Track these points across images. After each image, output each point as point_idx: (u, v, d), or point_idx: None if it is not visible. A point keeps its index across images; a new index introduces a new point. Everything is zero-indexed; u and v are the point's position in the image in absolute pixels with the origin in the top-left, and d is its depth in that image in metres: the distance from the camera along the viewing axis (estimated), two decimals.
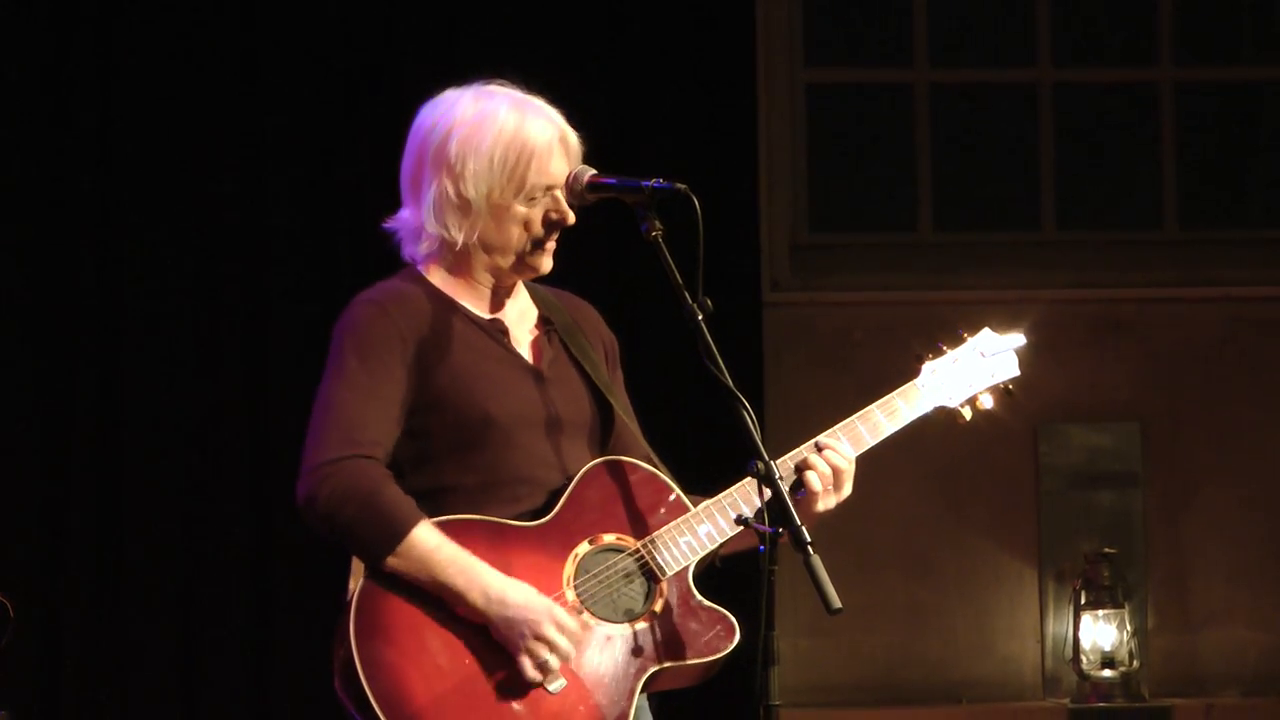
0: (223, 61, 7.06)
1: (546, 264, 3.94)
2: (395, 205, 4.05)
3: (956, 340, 4.17)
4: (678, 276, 3.76)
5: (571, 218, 3.93)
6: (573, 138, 3.93)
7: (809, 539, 3.64)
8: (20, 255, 6.95)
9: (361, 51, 7.09)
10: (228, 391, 7.01)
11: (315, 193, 7.08)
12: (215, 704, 6.95)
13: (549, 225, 3.91)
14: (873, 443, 4.01)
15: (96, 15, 6.98)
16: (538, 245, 3.91)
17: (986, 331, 4.19)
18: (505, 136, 3.87)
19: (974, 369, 4.15)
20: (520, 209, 3.89)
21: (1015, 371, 4.19)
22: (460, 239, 3.89)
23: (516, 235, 3.90)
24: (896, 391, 4.08)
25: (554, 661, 3.74)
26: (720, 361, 3.72)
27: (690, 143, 7.19)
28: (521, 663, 3.74)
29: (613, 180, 3.88)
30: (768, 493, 3.70)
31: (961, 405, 4.14)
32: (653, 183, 3.80)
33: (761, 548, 3.66)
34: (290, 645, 6.91)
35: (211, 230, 7.03)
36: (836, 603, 3.62)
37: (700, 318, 3.74)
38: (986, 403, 4.16)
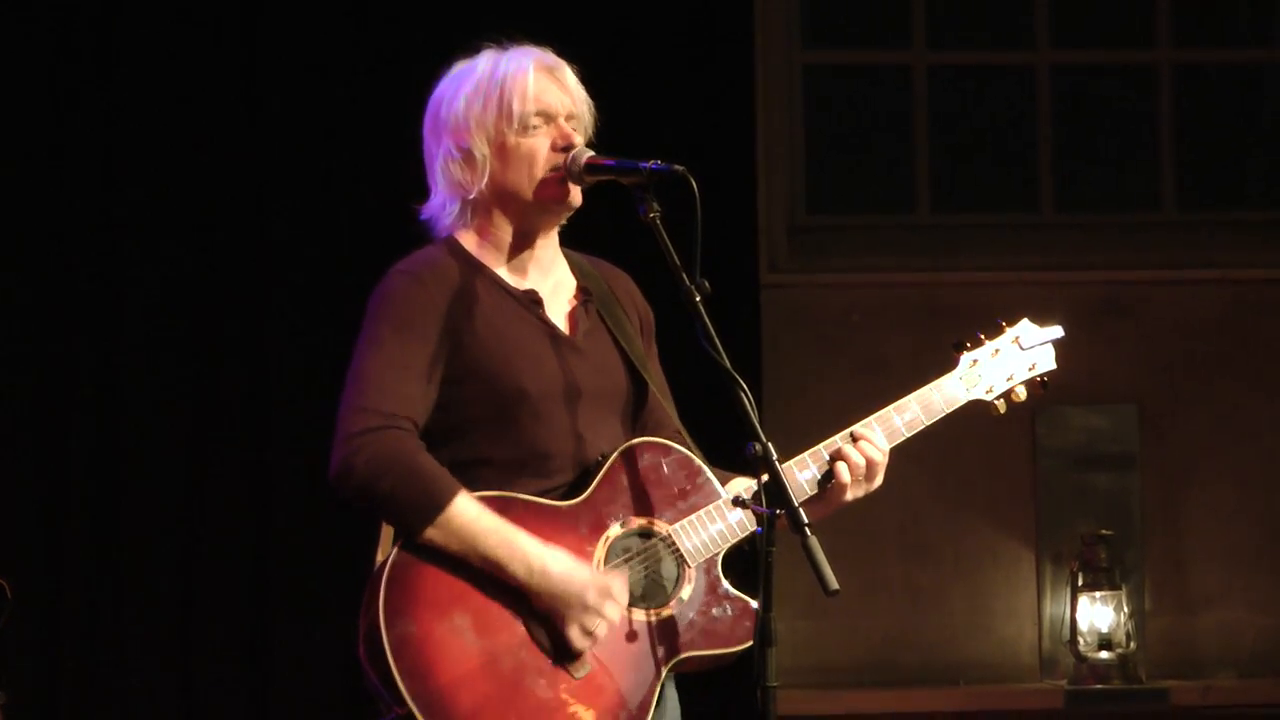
0: (223, 62, 7.05)
1: (575, 196, 3.90)
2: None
3: (995, 330, 4.12)
4: (675, 258, 3.75)
5: (579, 139, 3.89)
6: (562, 68, 3.91)
7: (806, 520, 3.63)
8: (20, 249, 6.93)
9: (361, 48, 7.08)
10: (228, 381, 7.00)
11: (316, 189, 7.06)
12: (212, 691, 6.95)
13: (559, 153, 3.88)
14: (908, 435, 4.00)
15: (97, 12, 6.97)
16: (554, 174, 3.87)
17: (1025, 322, 4.13)
18: (483, 79, 3.88)
19: (1013, 360, 4.11)
20: (518, 140, 3.86)
21: (1053, 365, 4.14)
22: (474, 187, 3.87)
23: (527, 171, 3.87)
24: (933, 383, 4.04)
25: (602, 628, 3.75)
26: (718, 343, 3.71)
27: (688, 124, 7.18)
28: (568, 632, 3.74)
29: (610, 162, 3.86)
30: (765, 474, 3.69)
31: (998, 399, 4.09)
32: (650, 164, 3.79)
33: (759, 529, 3.66)
34: (288, 638, 6.90)
35: (211, 227, 7.02)
36: (834, 584, 3.61)
37: (698, 299, 3.73)
38: (1021, 395, 4.11)
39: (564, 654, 3.76)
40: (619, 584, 3.78)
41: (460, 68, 3.93)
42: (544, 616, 3.75)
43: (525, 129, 3.87)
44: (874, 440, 3.94)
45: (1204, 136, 8.25)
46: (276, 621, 6.94)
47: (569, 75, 3.92)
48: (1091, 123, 8.26)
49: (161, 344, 6.98)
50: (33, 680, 6.81)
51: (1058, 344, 4.20)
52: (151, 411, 6.95)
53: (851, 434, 3.95)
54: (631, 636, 3.80)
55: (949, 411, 4.04)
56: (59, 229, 6.95)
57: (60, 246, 6.95)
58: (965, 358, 4.09)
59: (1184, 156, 8.20)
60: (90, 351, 6.95)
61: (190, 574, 6.95)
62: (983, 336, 4.11)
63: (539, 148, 3.87)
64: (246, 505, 6.97)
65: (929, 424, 4.02)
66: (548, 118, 3.88)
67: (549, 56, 3.92)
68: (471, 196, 3.89)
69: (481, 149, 3.86)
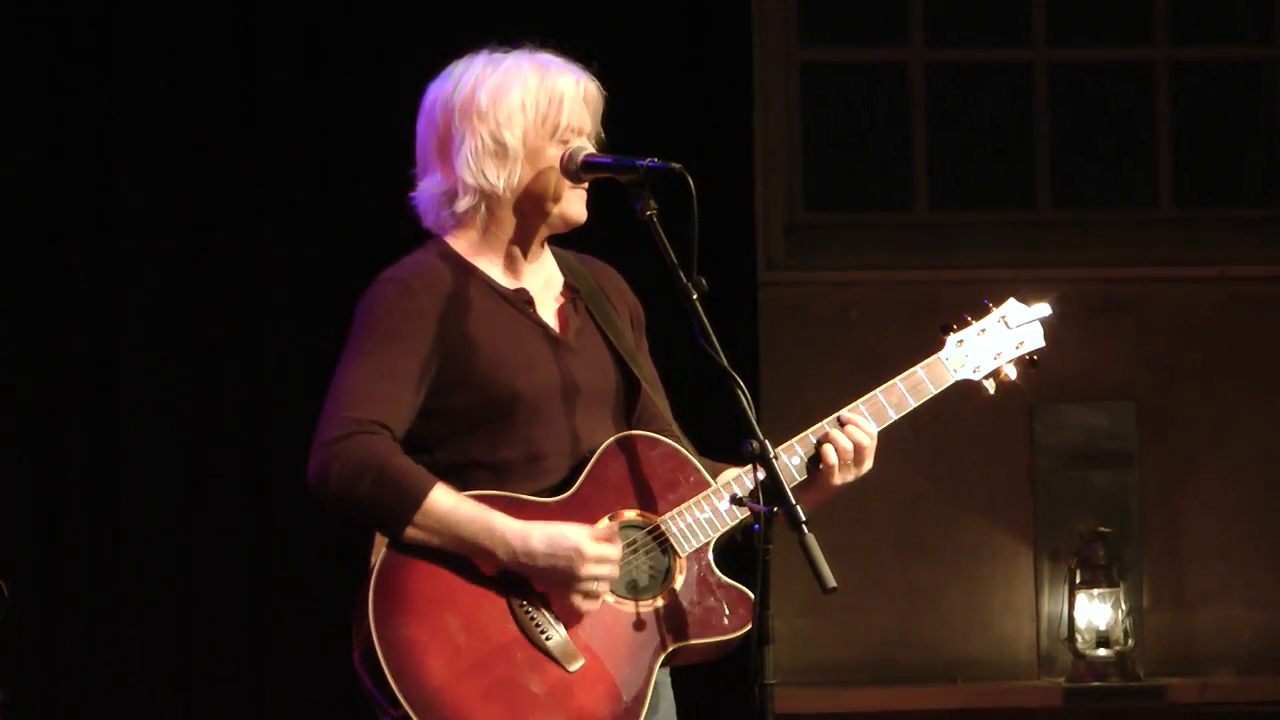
0: (221, 61, 7.04)
1: (580, 210, 3.91)
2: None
3: (982, 311, 4.09)
4: (672, 256, 3.74)
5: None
6: (593, 87, 3.91)
7: (804, 518, 3.62)
8: (18, 249, 6.93)
9: (360, 47, 7.07)
10: (227, 381, 7.00)
11: (316, 189, 7.05)
12: (211, 692, 6.94)
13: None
14: (896, 417, 3.96)
15: (96, 10, 6.97)
16: (572, 190, 3.88)
17: (1012, 301, 4.10)
18: (533, 83, 3.86)
19: (1001, 339, 4.08)
20: (554, 152, 3.86)
21: (1041, 342, 4.11)
22: (501, 185, 3.85)
23: (553, 180, 3.87)
24: (920, 365, 4.02)
25: (603, 587, 3.74)
26: (715, 341, 3.71)
27: (686, 122, 7.18)
28: (572, 599, 3.73)
29: (607, 159, 3.86)
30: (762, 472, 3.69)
31: (986, 378, 4.07)
32: (648, 162, 3.78)
33: (756, 526, 3.65)
34: (287, 639, 6.89)
35: (210, 227, 7.01)
36: (831, 582, 3.59)
37: (695, 297, 3.72)
38: (1010, 374, 4.08)
39: (555, 651, 3.75)
40: (609, 535, 3.76)
41: (493, 63, 3.90)
42: (542, 595, 3.75)
43: (563, 143, 3.87)
44: (861, 424, 3.93)
45: (1202, 134, 8.26)
46: (276, 622, 6.94)
47: (595, 91, 3.93)
48: (1089, 120, 8.26)
49: (160, 344, 6.97)
50: (32, 680, 6.80)
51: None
52: (150, 411, 6.95)
53: (839, 419, 3.93)
54: (625, 628, 3.79)
55: (937, 393, 4.02)
56: (57, 228, 6.94)
57: (58, 246, 6.94)
58: (951, 339, 4.07)
59: (1182, 154, 8.20)
60: (89, 351, 6.94)
61: (189, 574, 6.94)
62: (969, 318, 4.09)
63: None
64: (245, 505, 6.97)
65: (916, 406, 4.00)
66: (577, 134, 3.89)
67: (586, 75, 3.92)
68: (499, 191, 3.87)
69: (516, 147, 3.85)
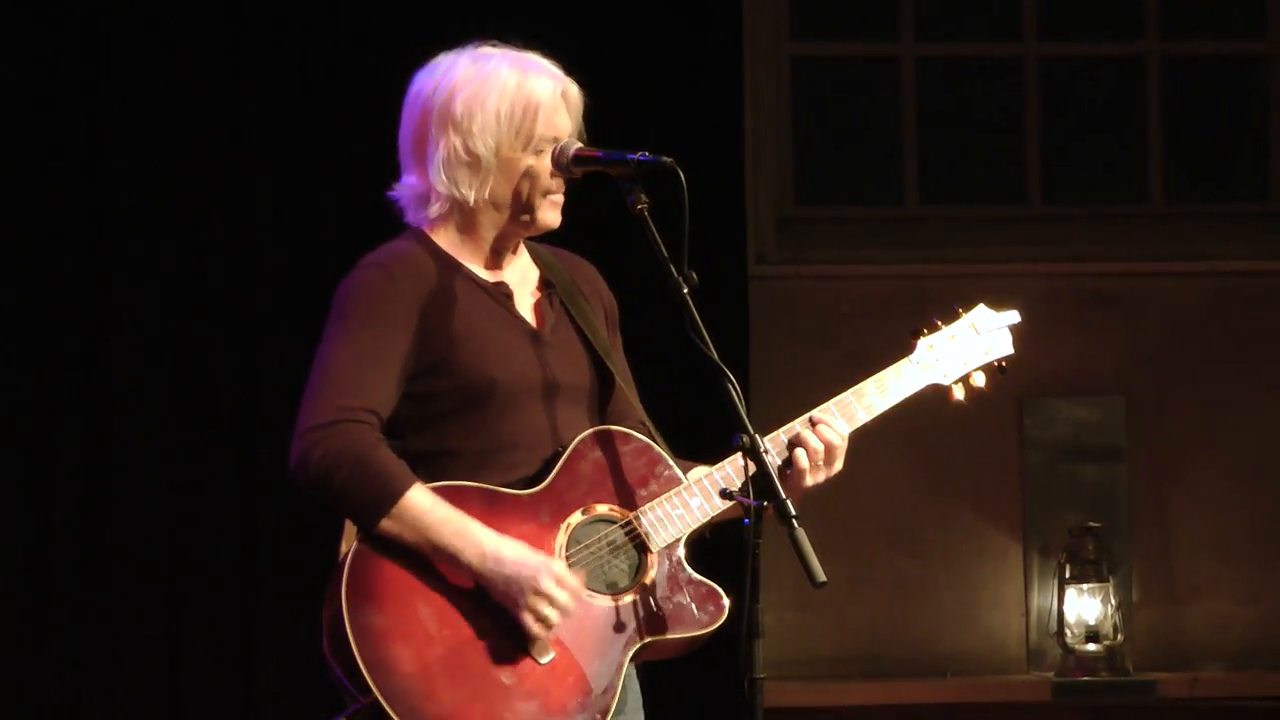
0: (214, 59, 7.03)
1: (555, 218, 3.92)
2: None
3: (951, 316, 4.12)
4: (663, 250, 3.74)
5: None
6: (574, 90, 3.92)
7: (794, 512, 3.63)
8: (7, 250, 6.91)
9: (345, 41, 7.06)
10: (215, 378, 6.99)
11: (302, 185, 7.04)
12: (200, 691, 6.94)
13: (556, 177, 3.90)
14: (867, 419, 3.99)
15: (89, 7, 6.96)
16: (545, 197, 3.89)
17: (981, 307, 4.13)
18: (510, 91, 3.85)
19: (970, 345, 4.10)
20: (528, 161, 3.87)
21: (1009, 349, 4.13)
22: (472, 196, 3.86)
23: (526, 189, 3.88)
24: (891, 368, 4.04)
25: (554, 616, 3.73)
26: (706, 335, 3.71)
27: (676, 116, 7.18)
28: (523, 619, 3.73)
29: (599, 154, 3.86)
30: (753, 466, 3.69)
31: (955, 383, 4.09)
32: (638, 156, 3.79)
33: (746, 521, 3.65)
34: (276, 638, 6.88)
35: (201, 223, 7.00)
36: (821, 576, 3.61)
37: (686, 291, 3.73)
38: (979, 380, 4.11)
39: (526, 641, 3.75)
40: (574, 572, 3.77)
41: (475, 65, 3.89)
42: (500, 605, 3.75)
43: (538, 152, 3.87)
44: (833, 425, 3.94)
45: (1192, 129, 8.26)
46: (264, 621, 6.93)
47: (575, 93, 3.92)
48: (1080, 115, 8.27)
49: (151, 341, 6.96)
50: (24, 679, 6.80)
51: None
52: (141, 409, 6.94)
53: (810, 419, 3.94)
54: (595, 623, 3.80)
55: (906, 397, 4.04)
56: (51, 227, 6.93)
57: (52, 244, 6.93)
58: (922, 343, 4.09)
59: (1172, 149, 8.20)
60: (78, 350, 6.93)
61: (180, 572, 6.93)
62: (939, 322, 4.12)
63: (542, 170, 3.88)
64: (235, 503, 6.96)
65: (887, 409, 4.02)
66: (555, 141, 3.89)
67: (563, 76, 3.92)
68: (471, 201, 3.87)
69: (489, 158, 3.86)
